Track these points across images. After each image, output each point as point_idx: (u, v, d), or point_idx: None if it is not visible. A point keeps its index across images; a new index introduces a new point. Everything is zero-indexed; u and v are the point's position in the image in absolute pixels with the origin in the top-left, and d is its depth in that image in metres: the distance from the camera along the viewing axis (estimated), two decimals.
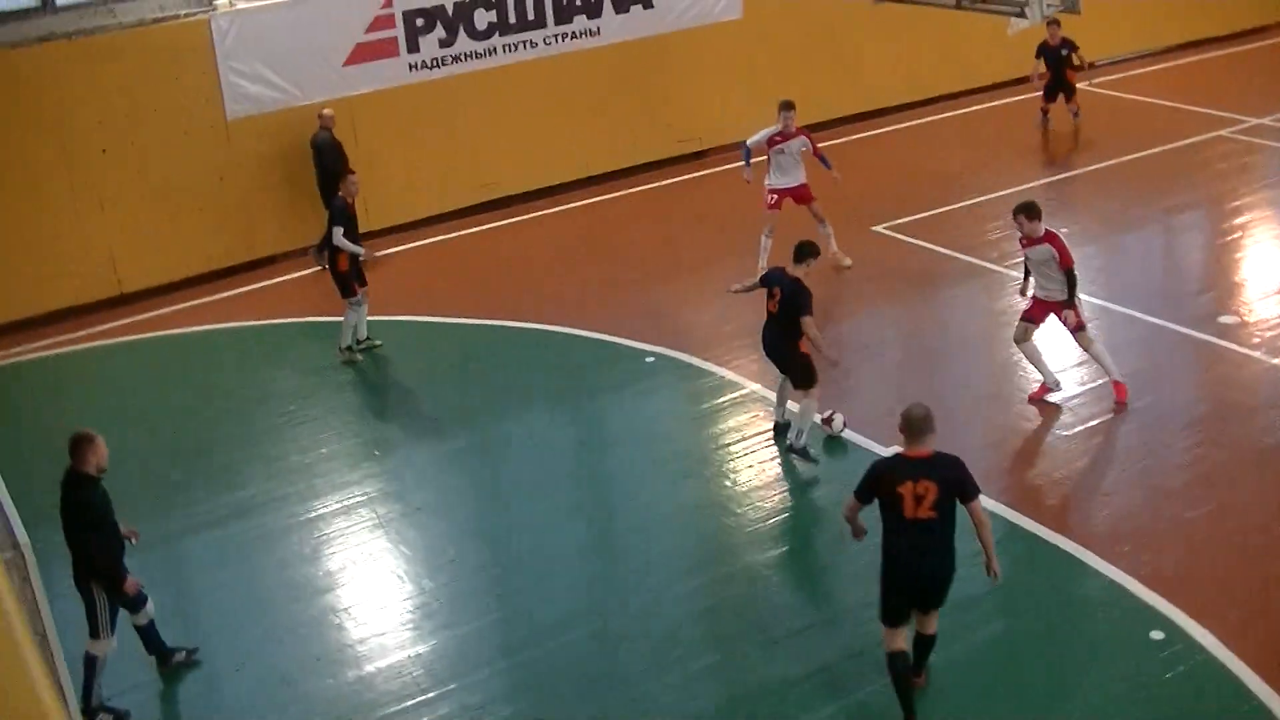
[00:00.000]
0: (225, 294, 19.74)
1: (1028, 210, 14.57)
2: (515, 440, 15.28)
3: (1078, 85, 24.77)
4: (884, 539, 10.06)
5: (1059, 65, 24.19)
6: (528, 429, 15.49)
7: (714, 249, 20.11)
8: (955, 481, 9.79)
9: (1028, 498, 13.32)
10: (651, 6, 22.94)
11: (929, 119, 25.90)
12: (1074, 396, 15.13)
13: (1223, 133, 24.06)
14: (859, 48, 25.31)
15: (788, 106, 18.66)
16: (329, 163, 19.66)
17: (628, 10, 22.75)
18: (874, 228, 20.43)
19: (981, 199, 21.32)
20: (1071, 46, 23.98)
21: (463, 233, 21.46)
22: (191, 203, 19.95)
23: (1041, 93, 24.67)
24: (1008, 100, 26.46)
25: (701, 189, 22.64)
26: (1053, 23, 23.03)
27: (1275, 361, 15.80)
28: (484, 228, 21.56)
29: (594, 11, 22.42)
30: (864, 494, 10.05)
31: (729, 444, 14.63)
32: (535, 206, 22.19)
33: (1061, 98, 24.51)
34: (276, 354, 17.96)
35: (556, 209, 22.19)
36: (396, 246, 21.02)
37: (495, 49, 21.71)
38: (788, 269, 13.77)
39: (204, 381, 17.28)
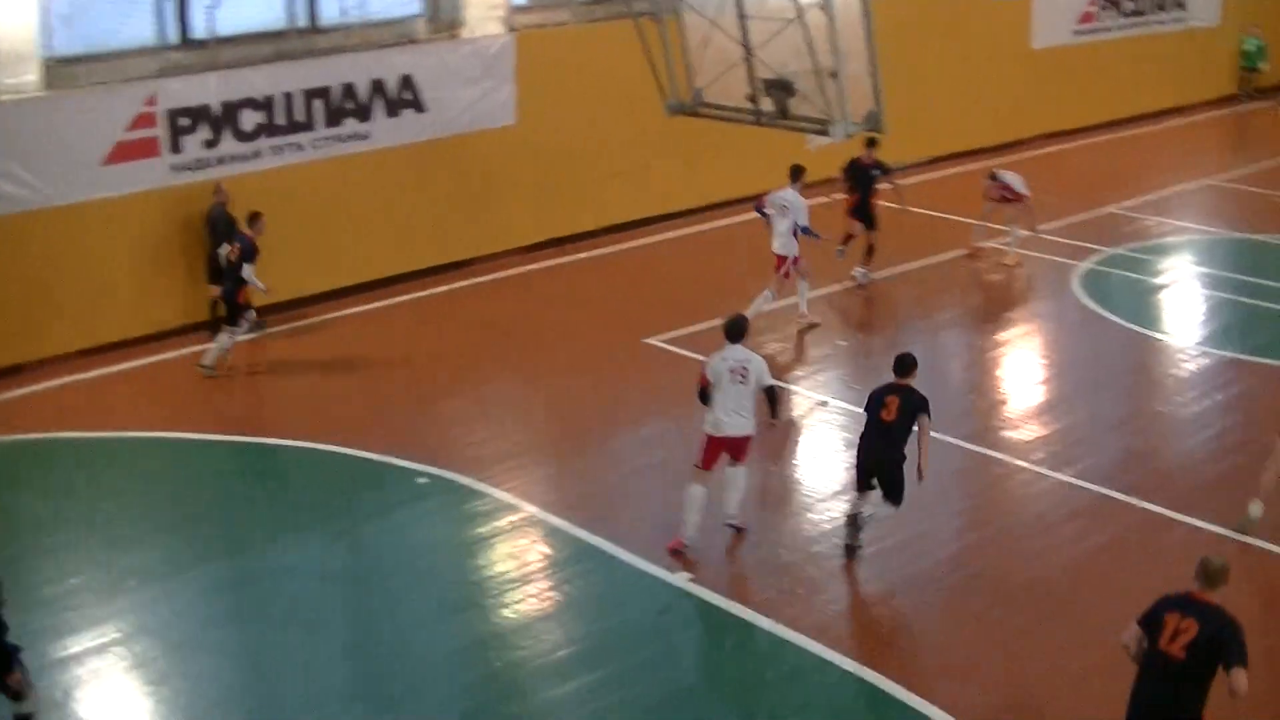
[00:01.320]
0: None
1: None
2: (282, 570, 14.39)
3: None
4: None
5: (867, 186, 22.44)
6: (295, 558, 14.64)
7: (491, 362, 19.66)
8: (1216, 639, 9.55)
9: (829, 627, 13.05)
10: (424, 110, 22.50)
11: (716, 225, 25.86)
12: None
13: (994, 243, 24.40)
14: (646, 158, 25.22)
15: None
16: (221, 237, 19.61)
17: (399, 114, 22.27)
18: (646, 339, 20.17)
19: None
20: (884, 169, 22.54)
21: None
22: None
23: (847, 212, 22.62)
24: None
25: (478, 297, 22.13)
26: (871, 142, 21.70)
27: (1026, 465, 16.20)
28: (248, 337, 20.53)
29: (364, 114, 21.88)
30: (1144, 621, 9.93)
31: (508, 572, 14.06)
32: (305, 314, 21.35)
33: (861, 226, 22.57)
34: (17, 475, 16.79)
35: (328, 316, 21.39)
36: (147, 358, 19.85)
37: (261, 151, 21.00)
38: (896, 379, 13.90)
39: None
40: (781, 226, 20.09)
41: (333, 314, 21.47)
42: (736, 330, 14.12)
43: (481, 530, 14.92)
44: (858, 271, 22.33)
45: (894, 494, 13.91)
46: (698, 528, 14.21)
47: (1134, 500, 15.47)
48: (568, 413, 18.09)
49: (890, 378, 14.07)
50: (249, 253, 18.79)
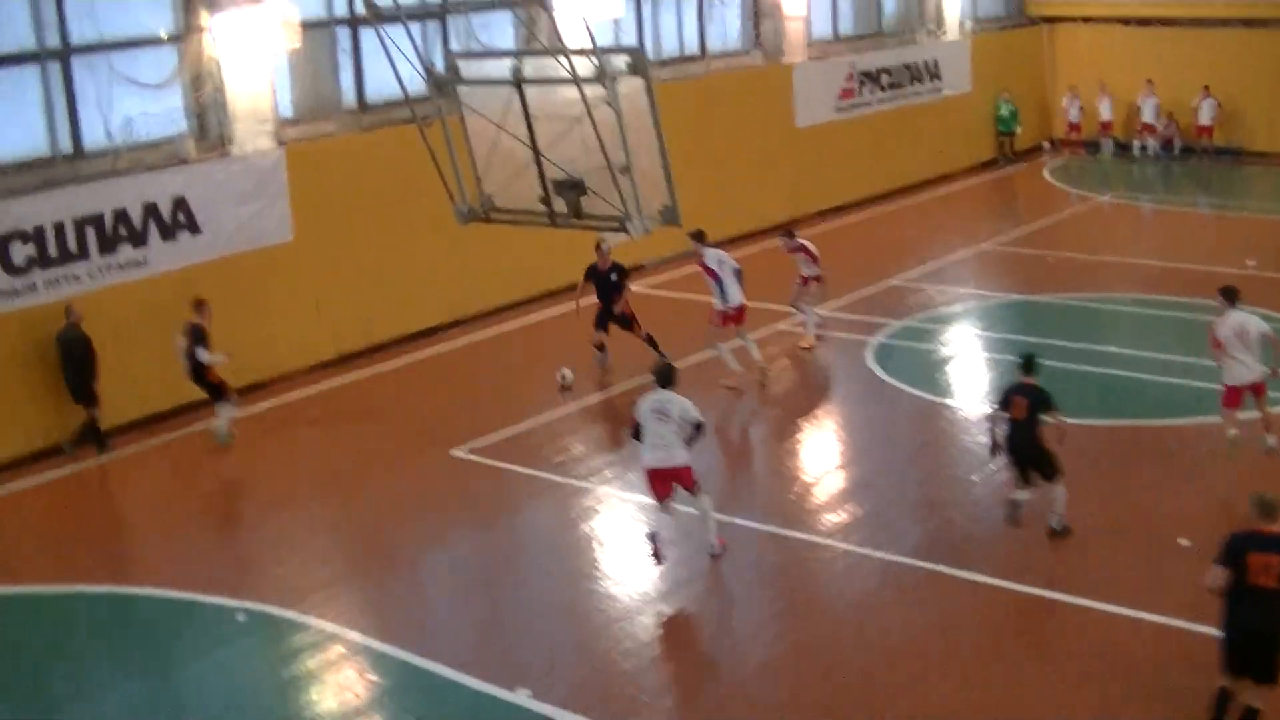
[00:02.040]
0: None
1: None
2: None
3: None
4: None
5: (608, 291, 22.40)
6: (110, 712, 13.74)
7: (293, 486, 19.11)
8: None
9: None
10: (200, 232, 21.88)
11: (504, 328, 25.73)
12: None
13: (781, 326, 24.51)
14: (428, 263, 24.89)
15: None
16: (78, 357, 19.83)
17: (175, 237, 21.61)
18: (452, 451, 19.77)
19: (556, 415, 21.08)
20: (622, 272, 22.51)
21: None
22: None
23: (593, 322, 22.64)
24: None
25: (271, 420, 21.50)
26: (600, 245, 21.91)
27: (846, 548, 16.22)
28: (15, 486, 19.52)
29: (139, 240, 21.18)
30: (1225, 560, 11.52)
31: (343, 706, 13.46)
32: (90, 452, 20.44)
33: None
34: None
35: (118, 453, 20.50)
36: None
37: (36, 285, 20.15)
38: (1023, 379, 16.12)
39: None
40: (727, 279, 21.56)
41: (122, 449, 20.60)
42: (664, 377, 15.95)
43: (310, 664, 14.27)
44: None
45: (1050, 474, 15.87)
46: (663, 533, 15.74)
47: (957, 572, 15.50)
48: (379, 534, 17.51)
49: None
50: (200, 337, 19.95)
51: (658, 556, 15.58)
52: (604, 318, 22.60)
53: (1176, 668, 13.40)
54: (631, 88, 14.80)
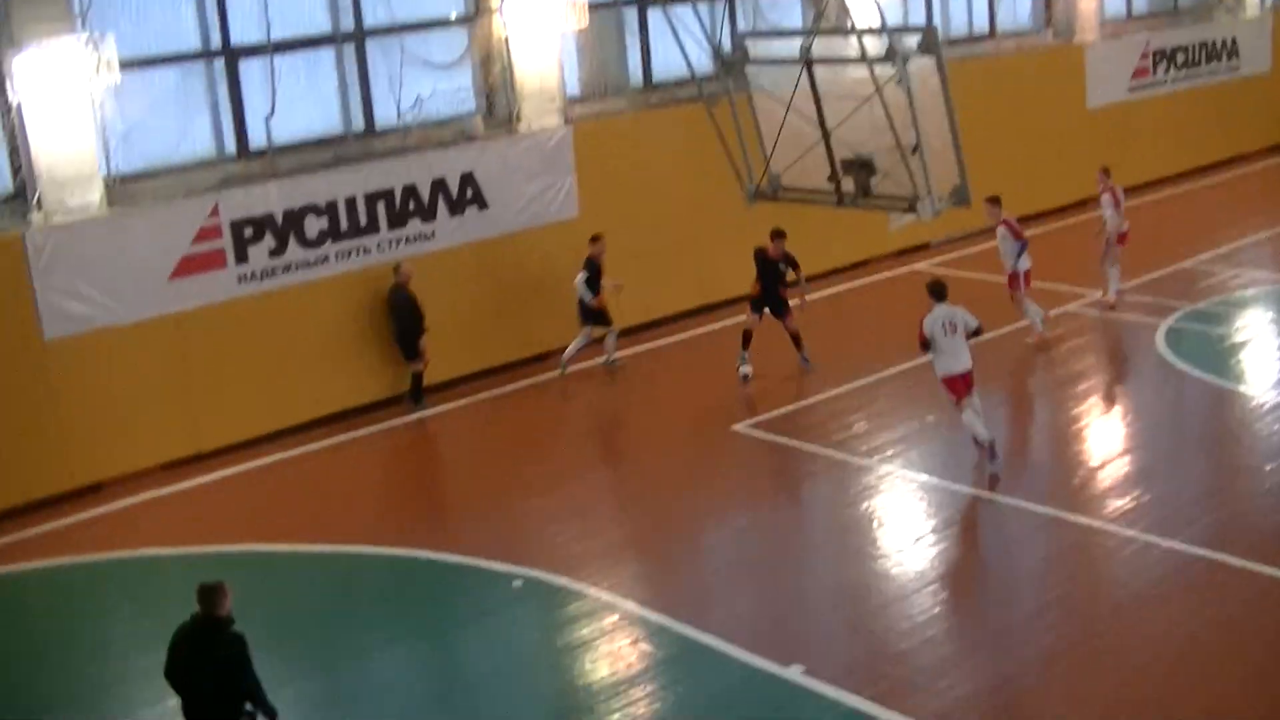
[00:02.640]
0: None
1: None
2: (378, 686, 13.93)
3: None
4: None
5: (773, 279, 21.66)
6: (391, 672, 14.18)
7: (576, 457, 19.49)
8: None
9: (950, 714, 12.59)
10: (487, 207, 22.33)
11: None
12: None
13: (1072, 307, 24.04)
14: (712, 244, 24.94)
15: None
16: (403, 317, 21.06)
17: (462, 212, 22.11)
18: (734, 427, 19.81)
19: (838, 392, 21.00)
20: (792, 263, 21.76)
21: (300, 450, 20.22)
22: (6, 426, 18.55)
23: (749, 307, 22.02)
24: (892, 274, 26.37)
25: (556, 392, 21.86)
26: (778, 234, 21.42)
27: (1132, 534, 15.74)
28: (325, 444, 20.36)
29: (428, 214, 21.71)
30: None
31: (615, 675, 13.62)
32: (376, 419, 21.12)
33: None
34: (103, 595, 16.57)
35: (397, 421, 21.15)
36: (234, 467, 19.75)
37: (328, 257, 20.84)
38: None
39: (32, 629, 15.86)
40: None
41: (414, 414, 21.27)
42: (940, 291, 17.60)
43: (583, 632, 14.50)
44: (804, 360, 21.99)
45: None
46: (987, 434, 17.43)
47: (1248, 564, 14.96)
48: (659, 506, 17.72)
49: None
50: (595, 270, 21.98)
51: (993, 453, 17.42)
52: (760, 303, 21.84)
53: None
54: (922, 67, 14.70)
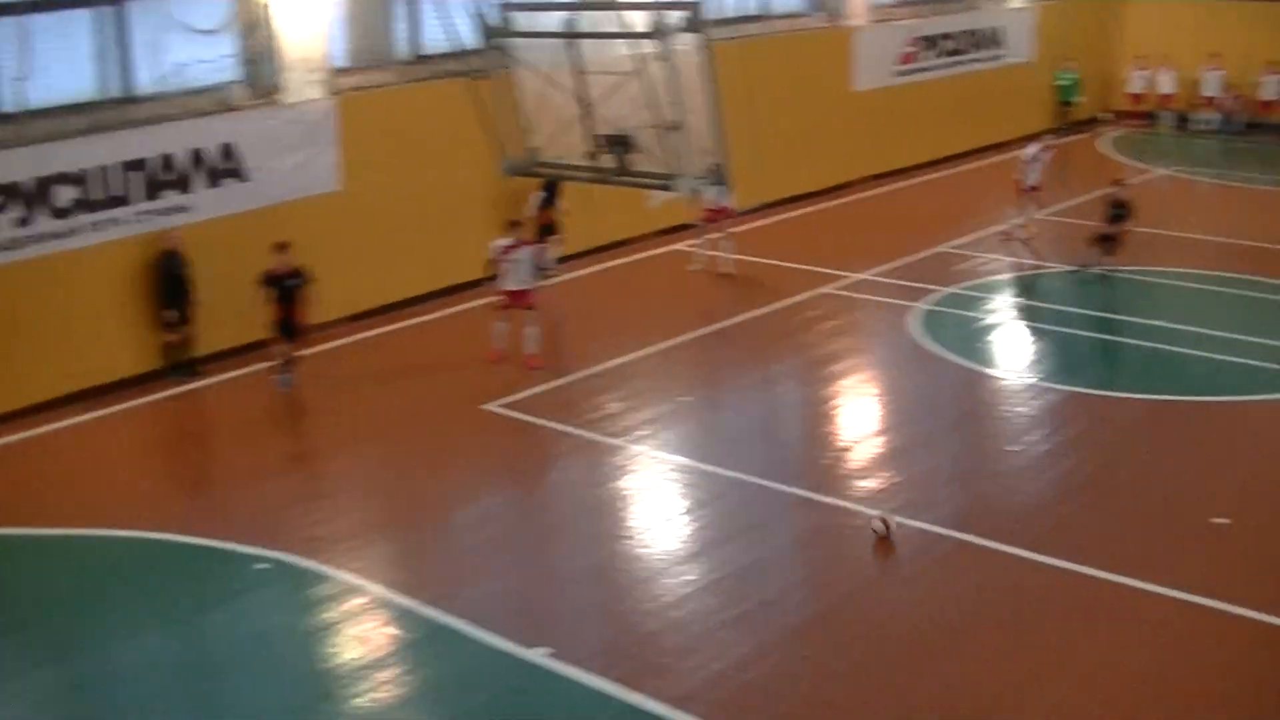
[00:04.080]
0: None
1: None
2: (118, 671, 13.47)
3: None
4: None
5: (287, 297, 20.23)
6: (132, 657, 13.73)
7: (323, 437, 19.14)
8: None
9: (697, 695, 12.65)
10: (247, 180, 21.86)
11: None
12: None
13: (826, 289, 24.38)
14: (474, 219, 24.68)
15: None
16: (171, 284, 20.69)
17: (220, 184, 21.59)
18: (484, 406, 19.68)
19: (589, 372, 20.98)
20: (302, 277, 20.19)
21: (47, 429, 19.38)
22: None
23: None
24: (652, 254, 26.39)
25: (312, 371, 21.48)
26: (280, 247, 20.15)
27: (902, 520, 15.80)
28: (73, 421, 19.55)
29: (184, 186, 21.16)
30: None
31: (361, 658, 13.36)
32: (123, 397, 20.48)
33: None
34: None
35: (152, 397, 20.55)
36: None
37: (80, 227, 20.13)
38: None
39: None
40: None
41: (154, 395, 20.63)
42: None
43: (329, 615, 14.23)
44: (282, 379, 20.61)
45: None
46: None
47: (990, 544, 15.36)
48: (408, 487, 17.48)
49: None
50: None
51: None
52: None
53: (1198, 639, 13.44)
54: (687, 45, 14.69)
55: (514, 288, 21.01)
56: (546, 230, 24.89)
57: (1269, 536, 15.56)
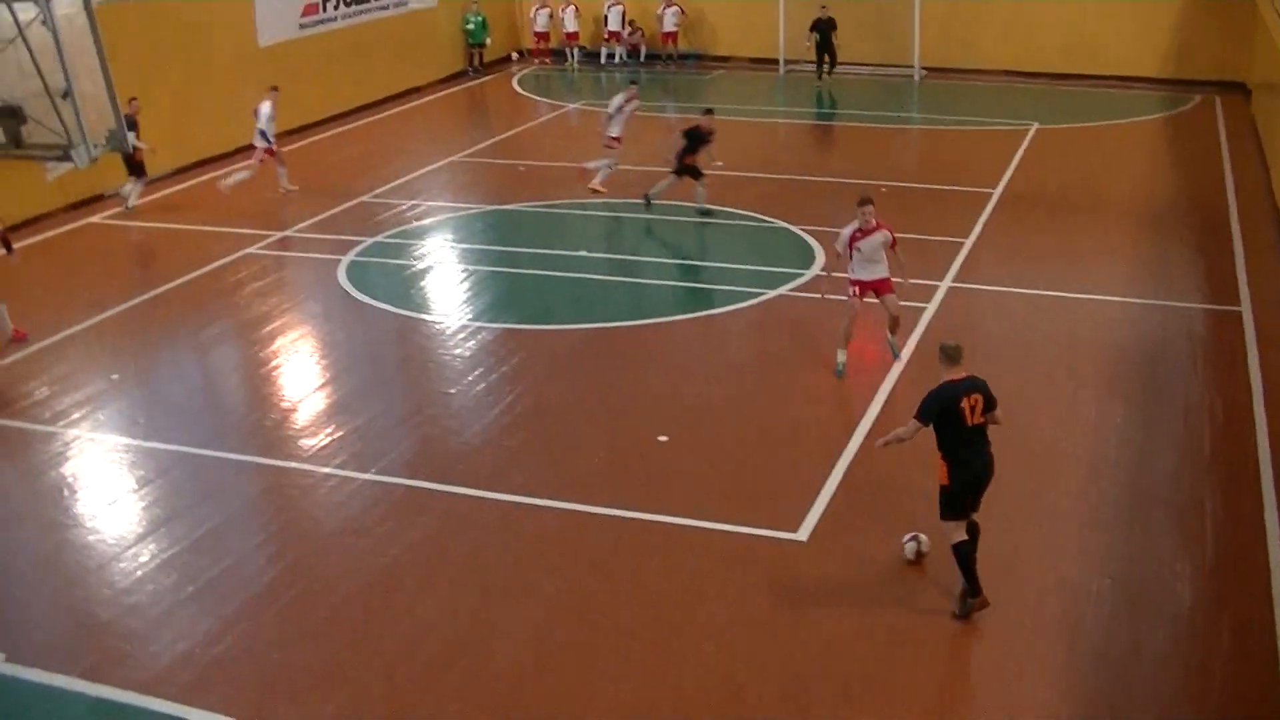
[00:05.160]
0: None
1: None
2: None
3: None
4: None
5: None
6: None
7: None
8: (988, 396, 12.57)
9: (166, 679, 12.20)
10: None
11: None
12: None
13: (251, 250, 23.99)
14: None
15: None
16: None
17: None
18: None
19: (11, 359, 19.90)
20: None
21: None
22: None
23: None
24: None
25: None
26: None
27: (329, 471, 16.01)
28: None
29: None
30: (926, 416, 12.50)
31: None
32: None
33: None
34: None
35: None
36: None
37: None
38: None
39: None
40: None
41: None
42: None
43: None
44: None
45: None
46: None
47: (441, 487, 15.56)
48: None
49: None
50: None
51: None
52: None
53: (654, 554, 13.97)
54: (71, 8, 14.04)
55: None
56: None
57: (702, 450, 16.34)
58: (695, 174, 25.56)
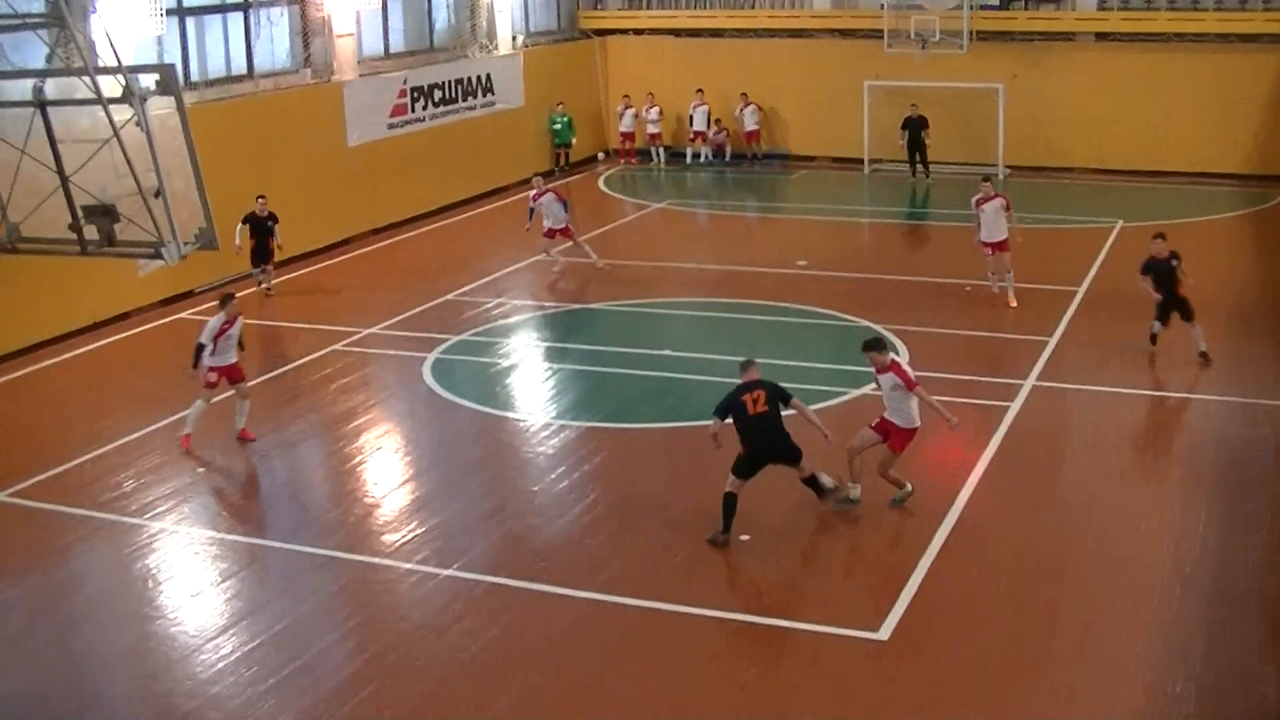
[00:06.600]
0: None
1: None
2: None
3: None
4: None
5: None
6: None
7: None
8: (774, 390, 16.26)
9: None
10: None
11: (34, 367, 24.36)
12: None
13: (337, 346, 24.25)
14: None
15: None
16: None
17: None
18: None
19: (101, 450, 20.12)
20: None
21: None
22: None
23: None
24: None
25: None
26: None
27: (410, 567, 16.06)
28: None
29: None
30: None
31: None
32: None
33: None
34: None
35: None
36: None
37: None
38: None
39: None
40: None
41: None
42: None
43: None
44: None
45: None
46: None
47: (522, 584, 15.57)
48: None
49: None
50: None
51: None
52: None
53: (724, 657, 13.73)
54: (163, 108, 14.32)
55: None
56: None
57: (784, 549, 16.27)
58: (1185, 312, 22.60)
